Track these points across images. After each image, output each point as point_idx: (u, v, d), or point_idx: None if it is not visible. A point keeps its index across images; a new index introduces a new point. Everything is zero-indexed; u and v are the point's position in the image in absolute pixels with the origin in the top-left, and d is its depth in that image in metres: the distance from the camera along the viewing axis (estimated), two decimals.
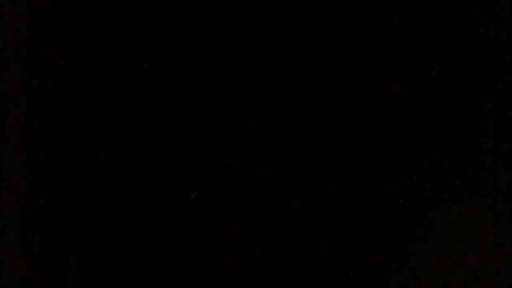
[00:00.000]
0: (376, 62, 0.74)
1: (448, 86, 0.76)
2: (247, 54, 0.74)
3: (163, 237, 0.77)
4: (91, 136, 0.66)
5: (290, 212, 0.78)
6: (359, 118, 0.75)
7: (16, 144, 0.64)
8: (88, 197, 0.71)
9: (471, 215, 0.78)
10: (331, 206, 0.79)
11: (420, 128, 0.75)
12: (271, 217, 0.78)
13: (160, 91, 0.73)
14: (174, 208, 0.76)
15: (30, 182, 0.67)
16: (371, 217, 0.81)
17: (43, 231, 0.71)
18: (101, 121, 0.70)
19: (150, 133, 0.73)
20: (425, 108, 0.76)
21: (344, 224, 0.80)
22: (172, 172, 0.75)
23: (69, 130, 0.66)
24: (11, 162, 0.64)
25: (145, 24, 0.73)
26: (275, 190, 0.77)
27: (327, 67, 0.75)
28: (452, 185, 0.78)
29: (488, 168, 0.75)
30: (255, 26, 0.73)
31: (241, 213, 0.77)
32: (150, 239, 0.77)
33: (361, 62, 0.74)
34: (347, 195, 0.80)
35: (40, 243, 0.72)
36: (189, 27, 0.74)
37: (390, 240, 0.84)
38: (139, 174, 0.75)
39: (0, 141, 0.62)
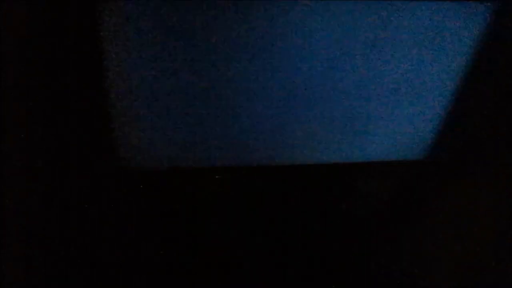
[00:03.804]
0: None
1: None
2: None
3: (163, 237, 0.77)
4: (91, 136, 0.66)
5: (290, 212, 0.78)
6: None
7: (16, 144, 0.64)
8: (88, 197, 0.71)
9: (471, 214, 0.78)
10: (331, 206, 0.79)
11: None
12: (271, 218, 0.78)
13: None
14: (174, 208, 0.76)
15: (30, 182, 0.67)
16: (370, 218, 0.81)
17: (43, 231, 0.71)
18: (100, 121, 0.70)
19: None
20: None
21: (344, 225, 0.81)
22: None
23: (69, 130, 0.66)
24: (11, 162, 0.64)
25: None
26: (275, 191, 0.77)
27: None
28: (453, 184, 0.78)
29: (489, 168, 0.76)
30: None
31: (240, 213, 0.77)
32: (150, 239, 0.77)
33: None
34: (347, 195, 0.80)
35: (40, 244, 0.72)
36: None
37: (390, 240, 0.84)
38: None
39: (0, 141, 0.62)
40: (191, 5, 0.56)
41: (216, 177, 0.74)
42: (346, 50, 0.61)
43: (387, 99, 0.66)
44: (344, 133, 0.69)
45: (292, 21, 0.58)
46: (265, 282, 0.79)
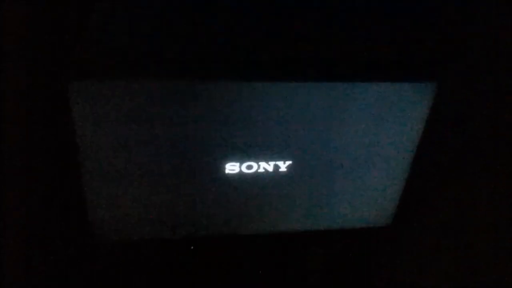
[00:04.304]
0: None
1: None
2: None
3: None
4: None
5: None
6: None
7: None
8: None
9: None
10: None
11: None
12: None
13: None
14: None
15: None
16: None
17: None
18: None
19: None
20: None
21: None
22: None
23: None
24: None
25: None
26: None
27: None
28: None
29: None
30: None
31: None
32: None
33: None
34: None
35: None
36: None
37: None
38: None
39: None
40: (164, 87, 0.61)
41: (191, 247, 0.78)
42: (308, 126, 0.66)
43: (347, 173, 0.72)
44: (308, 203, 0.75)
45: (259, 103, 0.63)
46: None
